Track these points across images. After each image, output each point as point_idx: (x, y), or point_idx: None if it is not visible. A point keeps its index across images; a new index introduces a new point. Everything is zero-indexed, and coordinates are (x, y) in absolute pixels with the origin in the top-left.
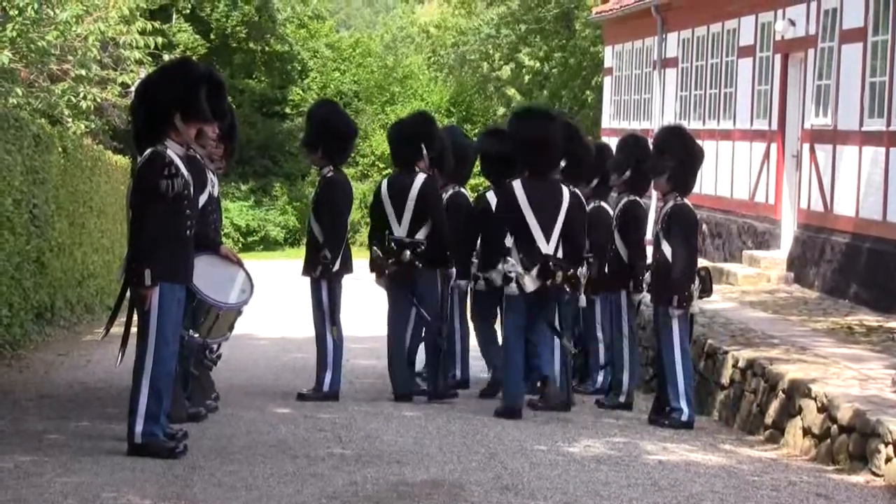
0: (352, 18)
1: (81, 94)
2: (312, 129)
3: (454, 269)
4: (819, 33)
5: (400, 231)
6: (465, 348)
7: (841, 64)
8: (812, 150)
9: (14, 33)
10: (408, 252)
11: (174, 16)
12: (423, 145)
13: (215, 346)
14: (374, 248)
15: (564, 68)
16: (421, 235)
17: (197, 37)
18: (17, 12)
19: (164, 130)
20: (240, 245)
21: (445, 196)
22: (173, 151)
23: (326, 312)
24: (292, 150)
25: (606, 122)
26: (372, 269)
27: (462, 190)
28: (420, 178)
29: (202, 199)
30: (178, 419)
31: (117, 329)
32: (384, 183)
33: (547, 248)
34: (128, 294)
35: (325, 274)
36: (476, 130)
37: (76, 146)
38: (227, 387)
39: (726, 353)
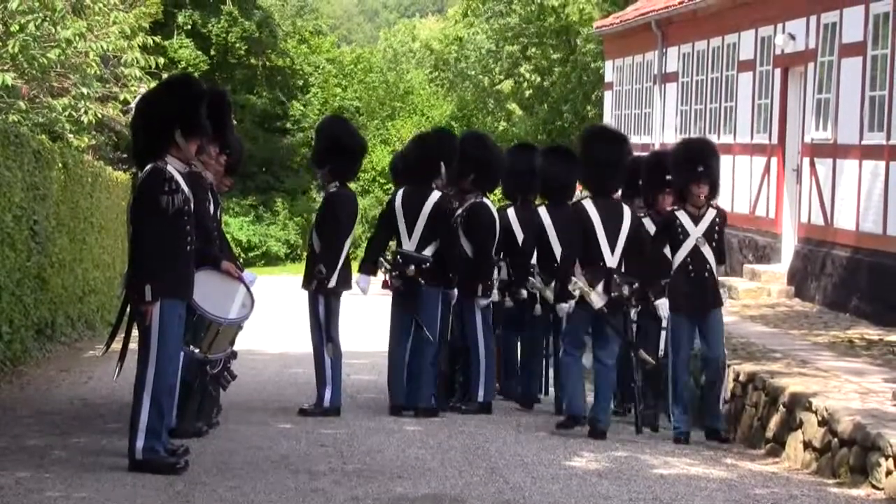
0: (353, 34)
1: (82, 110)
2: (321, 146)
3: (455, 291)
4: (819, 47)
5: (409, 245)
6: (489, 368)
7: (841, 78)
8: (812, 164)
9: (15, 49)
10: (412, 267)
11: (175, 32)
12: (442, 163)
13: (219, 363)
14: (381, 260)
15: (565, 83)
16: (429, 252)
17: (198, 53)
18: (18, 28)
19: (165, 146)
20: (241, 260)
21: (466, 205)
22: (174, 167)
23: (322, 328)
24: (293, 165)
25: None
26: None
27: (485, 200)
28: (435, 195)
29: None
30: (185, 434)
31: (118, 345)
32: (399, 195)
33: (612, 261)
34: (128, 310)
35: (320, 289)
36: None
37: (77, 162)
38: (229, 402)
39: (727, 366)
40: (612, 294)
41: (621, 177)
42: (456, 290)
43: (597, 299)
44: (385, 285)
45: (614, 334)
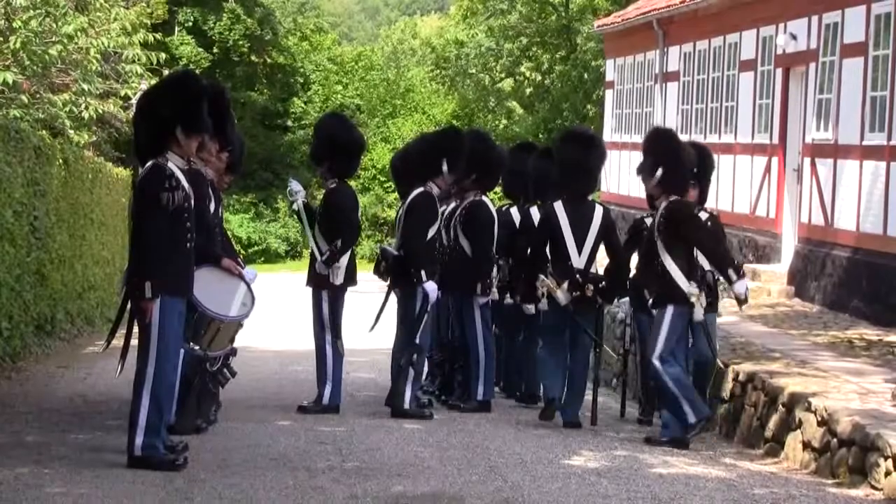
0: (353, 31)
1: (83, 105)
2: (319, 143)
3: (430, 286)
4: (820, 47)
5: (395, 244)
6: (489, 367)
7: (842, 78)
8: (813, 165)
9: (17, 45)
10: (383, 264)
11: (176, 29)
12: (444, 161)
13: (218, 360)
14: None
15: (566, 81)
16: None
17: (199, 50)
18: (21, 24)
19: (166, 143)
20: (241, 257)
21: (465, 203)
22: (174, 164)
23: (327, 324)
24: (294, 162)
25: (608, 135)
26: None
27: (484, 199)
28: (416, 192)
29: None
30: (184, 431)
31: (118, 342)
32: None
33: (579, 261)
34: (128, 307)
35: (324, 285)
36: None
37: (77, 158)
38: (228, 399)
39: (727, 366)
40: (575, 293)
41: (592, 178)
42: (429, 285)
43: (562, 297)
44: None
45: (583, 331)
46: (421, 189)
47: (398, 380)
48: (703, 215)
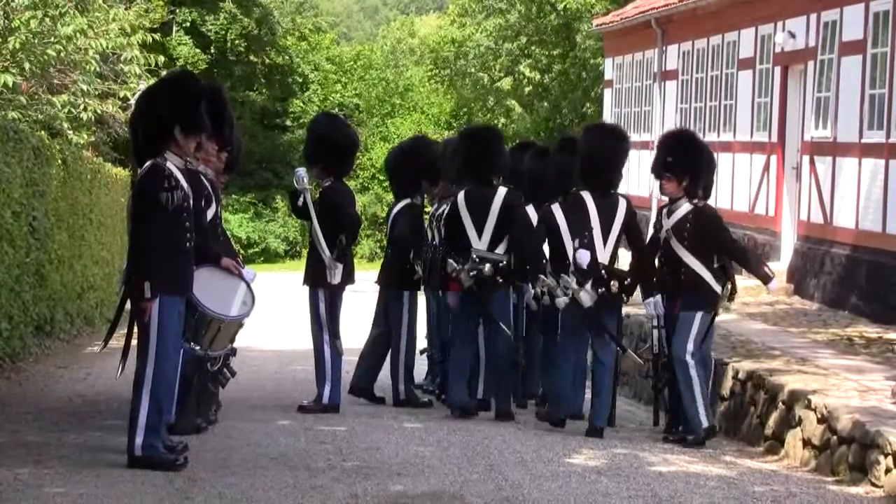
0: (352, 31)
1: (82, 106)
2: (312, 144)
3: (530, 283)
4: (819, 45)
5: (480, 245)
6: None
7: (841, 76)
8: (812, 162)
9: (17, 45)
10: (488, 266)
11: (174, 28)
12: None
13: (218, 360)
14: (450, 261)
15: (565, 80)
16: (500, 249)
17: (197, 50)
18: (20, 24)
19: (164, 143)
20: (240, 257)
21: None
22: (173, 164)
23: (324, 324)
24: (293, 162)
25: None
26: (445, 284)
27: None
28: (503, 190)
29: (209, 212)
30: (184, 431)
31: (117, 341)
32: (461, 196)
33: (603, 256)
34: (128, 306)
35: (322, 284)
36: None
37: (76, 158)
38: (228, 399)
39: (727, 364)
40: (599, 290)
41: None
42: (530, 283)
43: (586, 298)
44: (452, 287)
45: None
46: (507, 188)
47: (503, 380)
48: (687, 206)
